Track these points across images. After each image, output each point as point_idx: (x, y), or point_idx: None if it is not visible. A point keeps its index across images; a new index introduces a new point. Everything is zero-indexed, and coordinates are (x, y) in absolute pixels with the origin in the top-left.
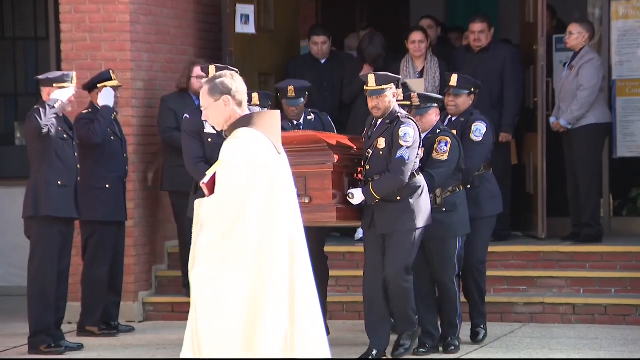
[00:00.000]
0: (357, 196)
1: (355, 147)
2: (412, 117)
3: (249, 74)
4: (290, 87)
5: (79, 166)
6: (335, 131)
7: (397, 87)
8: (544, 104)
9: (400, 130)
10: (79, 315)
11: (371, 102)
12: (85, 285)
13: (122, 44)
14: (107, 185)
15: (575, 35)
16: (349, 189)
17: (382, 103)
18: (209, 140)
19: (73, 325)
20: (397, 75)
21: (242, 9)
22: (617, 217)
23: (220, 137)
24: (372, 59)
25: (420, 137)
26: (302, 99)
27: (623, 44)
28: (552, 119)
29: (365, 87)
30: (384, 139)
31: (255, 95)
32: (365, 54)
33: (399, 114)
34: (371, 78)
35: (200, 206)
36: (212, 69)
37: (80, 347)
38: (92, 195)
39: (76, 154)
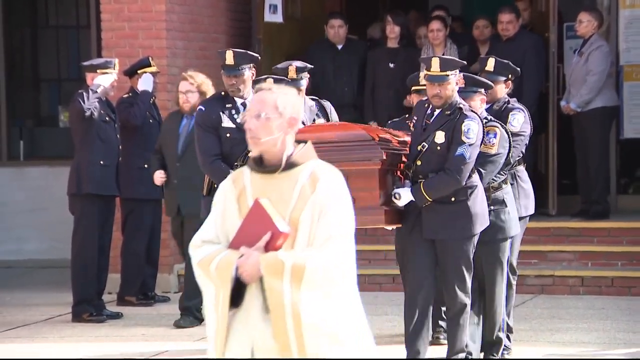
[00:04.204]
0: (404, 197)
1: (393, 141)
2: (475, 111)
3: (277, 61)
4: (292, 67)
5: (120, 147)
6: (338, 118)
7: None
8: (555, 88)
9: (463, 124)
10: (119, 286)
11: (432, 90)
12: (125, 259)
13: (158, 33)
14: (145, 165)
15: (585, 23)
16: (393, 188)
17: (445, 91)
18: (227, 135)
19: (113, 295)
20: (462, 61)
21: None
22: (623, 194)
23: (240, 132)
24: (398, 21)
25: (483, 134)
26: (304, 81)
27: (630, 32)
28: (562, 103)
29: (425, 72)
30: (443, 133)
31: (269, 81)
32: (392, 17)
33: (461, 105)
34: (435, 62)
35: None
36: (229, 54)
37: (119, 315)
38: (132, 175)
39: (118, 136)
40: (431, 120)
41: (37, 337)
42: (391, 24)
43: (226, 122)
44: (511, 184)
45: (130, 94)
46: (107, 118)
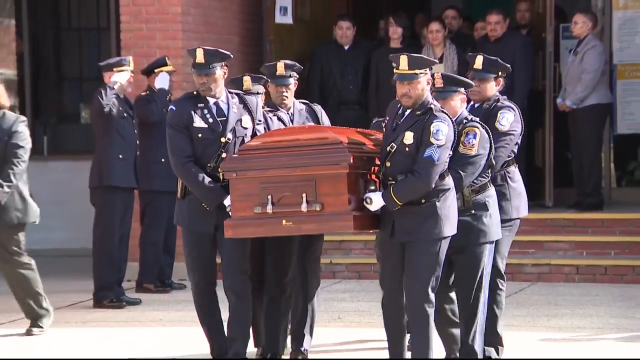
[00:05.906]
0: (375, 201)
1: (367, 143)
2: (447, 112)
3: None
4: (280, 64)
5: (138, 142)
6: (330, 123)
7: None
8: (551, 86)
9: (432, 125)
10: (137, 274)
11: (401, 89)
12: (143, 248)
13: (174, 34)
14: (162, 159)
15: (580, 24)
16: (365, 192)
17: (414, 90)
18: (199, 135)
19: (132, 282)
20: (433, 59)
21: (281, 1)
22: (617, 187)
23: (212, 132)
24: (400, 23)
25: (455, 136)
26: (293, 80)
27: (623, 32)
28: (558, 100)
29: (395, 70)
30: (412, 133)
31: (247, 79)
32: (395, 19)
33: (432, 105)
34: (403, 60)
35: None
36: (199, 52)
37: (138, 301)
38: (149, 168)
39: (135, 131)
40: (401, 121)
41: (60, 322)
42: (394, 25)
43: (198, 122)
44: (501, 185)
45: (147, 92)
46: (125, 114)
